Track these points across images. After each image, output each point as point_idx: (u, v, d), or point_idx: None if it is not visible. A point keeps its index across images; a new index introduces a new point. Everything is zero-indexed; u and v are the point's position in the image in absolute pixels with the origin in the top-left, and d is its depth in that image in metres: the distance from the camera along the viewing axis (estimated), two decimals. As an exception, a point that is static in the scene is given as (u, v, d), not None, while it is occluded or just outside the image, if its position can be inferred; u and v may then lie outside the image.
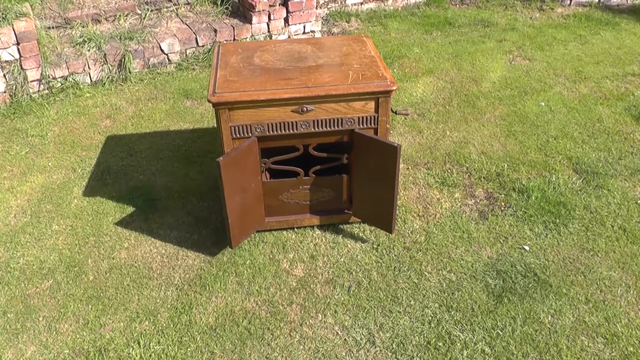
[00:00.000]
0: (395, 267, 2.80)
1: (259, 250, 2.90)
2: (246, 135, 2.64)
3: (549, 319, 2.53)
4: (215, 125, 2.73)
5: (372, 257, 2.86)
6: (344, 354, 2.40)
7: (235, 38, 4.91)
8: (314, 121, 2.64)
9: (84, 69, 4.40)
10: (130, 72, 4.52)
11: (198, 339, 2.47)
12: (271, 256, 2.87)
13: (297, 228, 3.01)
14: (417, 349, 2.41)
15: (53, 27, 4.61)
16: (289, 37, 5.16)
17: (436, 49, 5.08)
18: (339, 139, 2.74)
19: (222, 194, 2.58)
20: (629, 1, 6.09)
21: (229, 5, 5.13)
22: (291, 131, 2.66)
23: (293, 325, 2.53)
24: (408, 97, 4.29)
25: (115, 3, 4.90)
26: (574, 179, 3.38)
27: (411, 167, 3.51)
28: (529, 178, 3.38)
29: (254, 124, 2.62)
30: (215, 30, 4.83)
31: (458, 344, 2.42)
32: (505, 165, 3.49)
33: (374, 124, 2.69)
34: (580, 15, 5.80)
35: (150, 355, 2.40)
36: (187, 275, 2.78)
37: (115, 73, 4.50)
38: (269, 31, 5.05)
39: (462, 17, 5.79)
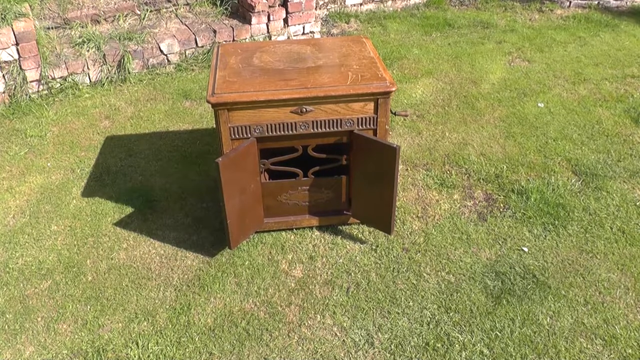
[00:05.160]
0: (394, 268, 2.80)
1: (257, 251, 2.90)
2: (245, 136, 2.64)
3: (548, 320, 2.53)
4: (215, 126, 2.73)
5: (371, 258, 2.86)
6: (342, 355, 2.40)
7: (235, 39, 4.91)
8: (313, 122, 2.64)
9: (83, 70, 4.40)
10: (129, 73, 4.52)
11: (196, 339, 2.46)
12: (270, 257, 2.87)
13: (296, 229, 3.01)
14: (416, 350, 2.40)
15: (52, 28, 4.61)
16: (288, 38, 5.16)
17: (435, 50, 5.08)
18: (338, 140, 2.74)
19: (221, 194, 2.58)
20: (628, 3, 6.09)
21: (228, 6, 5.13)
22: (290, 132, 2.66)
23: (292, 326, 2.52)
24: (407, 98, 4.29)
25: (115, 3, 4.90)
26: (573, 180, 3.38)
27: (410, 168, 3.51)
28: (528, 179, 3.38)
29: (253, 124, 2.62)
30: (215, 31, 4.83)
31: (457, 345, 2.42)
32: (504, 167, 3.49)
33: (373, 125, 2.69)
34: (580, 17, 5.81)
35: (149, 356, 2.40)
36: (186, 276, 2.77)
37: (115, 74, 4.50)
38: (268, 32, 5.05)
39: (461, 18, 5.80)
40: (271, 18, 4.99)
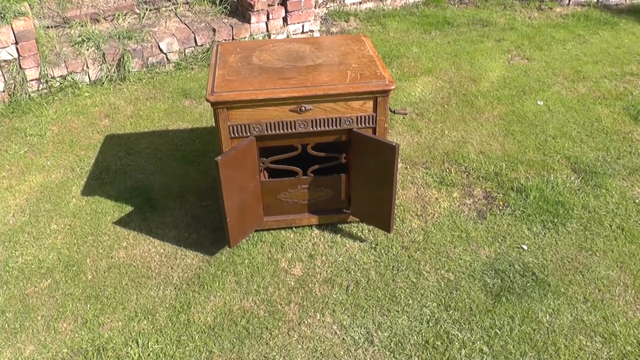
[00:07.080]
0: (393, 266, 2.80)
1: (257, 249, 2.90)
2: (244, 134, 2.64)
3: (547, 318, 2.53)
4: (214, 124, 2.73)
5: (371, 256, 2.86)
6: (342, 353, 2.40)
7: (234, 37, 4.91)
8: (312, 120, 2.64)
9: (82, 69, 4.40)
10: (129, 72, 4.52)
11: (196, 338, 2.47)
12: (270, 255, 2.87)
13: (295, 227, 3.01)
14: (416, 348, 2.41)
15: (52, 27, 4.61)
16: (287, 36, 5.16)
17: (435, 48, 5.08)
18: (337, 139, 2.74)
19: (221, 193, 2.58)
20: (627, 1, 6.09)
21: (227, 4, 5.12)
22: (289, 130, 2.66)
23: (291, 324, 2.53)
24: (407, 97, 4.29)
25: (114, 2, 4.90)
26: (572, 178, 3.38)
27: (409, 166, 3.51)
28: (527, 177, 3.38)
29: (253, 123, 2.62)
30: (214, 30, 4.83)
31: (456, 343, 2.42)
32: (504, 165, 3.50)
33: (373, 123, 2.69)
34: (579, 15, 5.81)
35: (149, 355, 2.40)
36: (186, 275, 2.78)
37: (114, 72, 4.50)
38: (267, 31, 5.05)
39: (460, 16, 5.79)
40: (270, 17, 4.99)
